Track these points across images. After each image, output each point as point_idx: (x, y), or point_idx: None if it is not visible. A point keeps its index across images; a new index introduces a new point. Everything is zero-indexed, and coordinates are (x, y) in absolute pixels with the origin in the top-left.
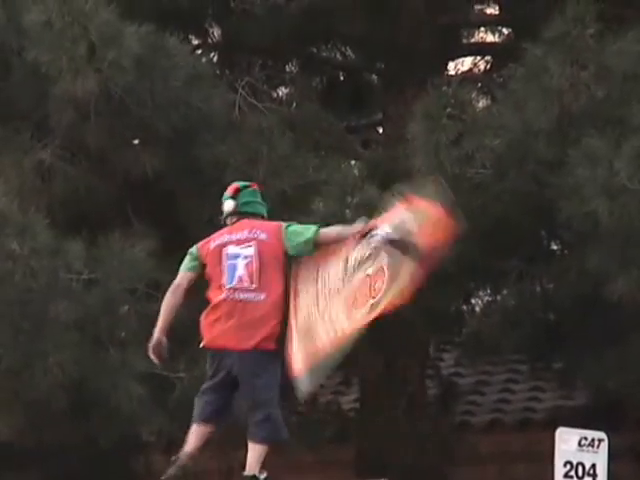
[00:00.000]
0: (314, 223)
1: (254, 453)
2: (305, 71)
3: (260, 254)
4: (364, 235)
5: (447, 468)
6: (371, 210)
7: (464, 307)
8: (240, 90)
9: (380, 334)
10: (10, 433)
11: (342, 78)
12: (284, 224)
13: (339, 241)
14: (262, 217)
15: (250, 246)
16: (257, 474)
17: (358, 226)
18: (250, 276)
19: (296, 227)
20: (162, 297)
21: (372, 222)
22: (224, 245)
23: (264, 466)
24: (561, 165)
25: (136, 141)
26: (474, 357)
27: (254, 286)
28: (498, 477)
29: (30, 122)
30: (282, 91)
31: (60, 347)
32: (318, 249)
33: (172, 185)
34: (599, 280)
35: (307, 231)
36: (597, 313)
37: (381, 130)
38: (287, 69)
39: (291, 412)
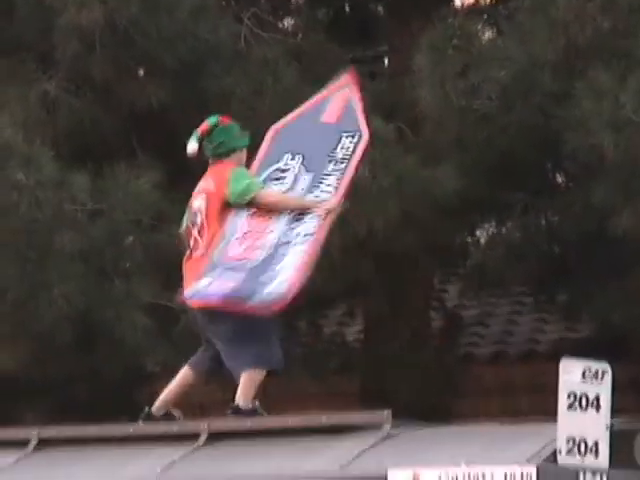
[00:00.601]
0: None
1: (240, 383)
2: (311, 2)
3: (207, 208)
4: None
5: (450, 400)
6: (376, 141)
7: (469, 239)
8: (246, 21)
9: (385, 266)
10: (15, 365)
11: (348, 9)
12: (232, 169)
13: (278, 208)
14: (240, 151)
15: (202, 199)
16: (242, 404)
17: (304, 202)
18: (199, 235)
19: (242, 172)
20: (167, 228)
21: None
22: (193, 198)
23: (256, 397)
24: (567, 97)
25: (141, 73)
26: (478, 289)
27: (202, 246)
28: (501, 409)
29: (35, 54)
30: (288, 22)
31: (65, 278)
32: (253, 206)
33: (177, 117)
34: (604, 213)
35: (253, 184)
36: (602, 246)
37: (387, 62)
38: (293, 0)
39: (295, 343)
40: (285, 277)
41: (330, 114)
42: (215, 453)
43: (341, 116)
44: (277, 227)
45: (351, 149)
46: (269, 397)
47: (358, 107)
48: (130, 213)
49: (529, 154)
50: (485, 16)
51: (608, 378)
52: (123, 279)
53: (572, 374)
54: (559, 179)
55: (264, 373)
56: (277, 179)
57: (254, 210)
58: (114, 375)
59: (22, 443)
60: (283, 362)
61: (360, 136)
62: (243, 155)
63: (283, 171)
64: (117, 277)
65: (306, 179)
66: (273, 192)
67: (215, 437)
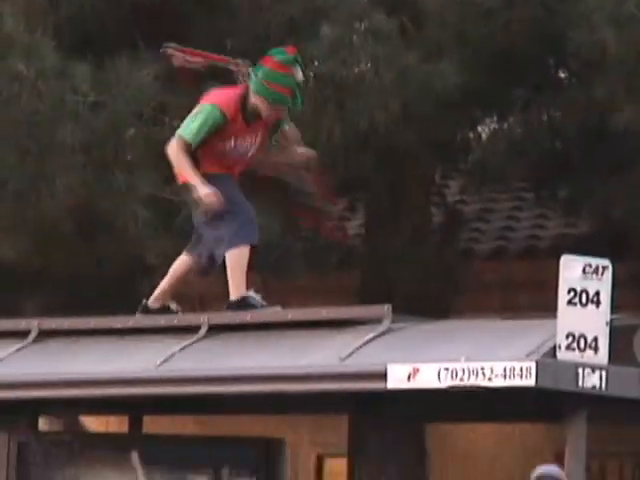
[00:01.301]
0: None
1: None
2: None
3: None
4: None
5: (451, 295)
6: (378, 36)
7: (470, 135)
8: None
9: (386, 161)
10: (16, 255)
11: None
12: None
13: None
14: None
15: None
16: (245, 294)
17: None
18: None
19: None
20: (169, 121)
21: None
22: None
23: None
24: None
25: None
26: (479, 185)
27: None
28: (502, 305)
29: None
30: None
31: (66, 170)
32: None
33: (180, 9)
34: (606, 109)
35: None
36: (603, 142)
37: None
38: None
39: (295, 238)
40: None
41: None
42: (214, 346)
43: None
44: None
45: None
46: (270, 293)
47: None
48: (132, 104)
49: (531, 50)
50: None
51: (608, 274)
52: (124, 171)
53: (572, 270)
54: (561, 74)
55: (246, 253)
56: None
57: None
58: (115, 267)
59: (22, 334)
60: (257, 238)
61: None
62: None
63: None
64: (118, 169)
65: None
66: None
67: (215, 330)
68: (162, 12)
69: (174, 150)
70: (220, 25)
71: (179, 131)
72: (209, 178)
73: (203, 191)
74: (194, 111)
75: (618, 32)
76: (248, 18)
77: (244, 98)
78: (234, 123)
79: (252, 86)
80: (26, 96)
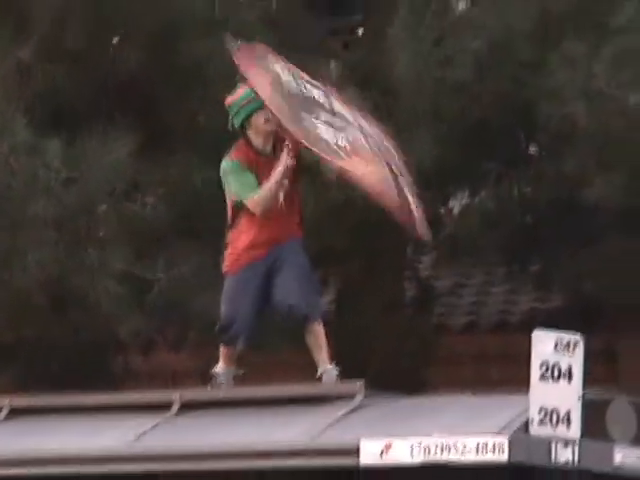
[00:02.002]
0: None
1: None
2: None
3: None
4: None
5: (424, 369)
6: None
7: (442, 209)
8: None
9: (358, 235)
10: None
11: None
12: None
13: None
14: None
15: None
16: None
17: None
18: None
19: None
20: (141, 197)
21: None
22: None
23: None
24: (541, 67)
25: (116, 39)
26: (451, 259)
27: None
28: (474, 378)
29: (9, 20)
30: None
31: (38, 245)
32: None
33: (152, 84)
34: (576, 183)
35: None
36: (574, 216)
37: (362, 31)
38: None
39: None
40: None
41: None
42: (187, 423)
43: None
44: None
45: None
46: (245, 366)
47: None
48: (104, 180)
49: (503, 123)
50: None
51: (580, 349)
52: (97, 247)
53: (544, 345)
54: (532, 148)
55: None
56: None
57: None
58: (87, 343)
59: None
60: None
61: None
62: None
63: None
64: (90, 245)
65: None
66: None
67: (187, 407)
68: (133, 88)
69: (260, 205)
70: (193, 97)
71: (245, 199)
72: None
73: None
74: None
75: (588, 106)
76: (221, 90)
77: (247, 141)
78: (256, 165)
79: (237, 125)
80: None
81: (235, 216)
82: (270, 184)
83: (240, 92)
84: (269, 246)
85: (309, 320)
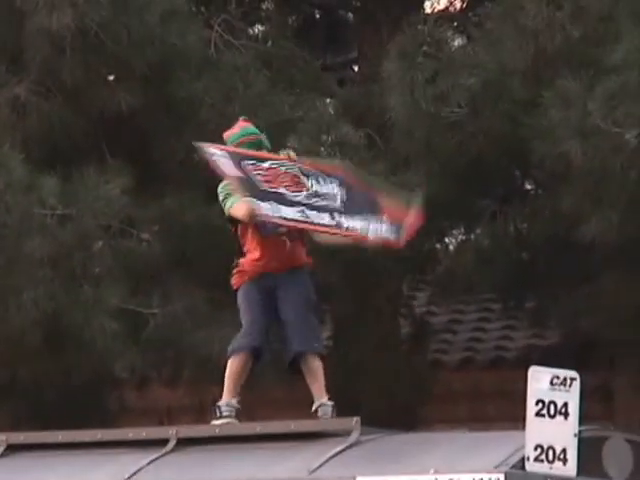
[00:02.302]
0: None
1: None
2: (281, 8)
3: None
4: None
5: (419, 406)
6: (345, 148)
7: (437, 246)
8: (216, 27)
9: (353, 272)
10: None
11: (318, 16)
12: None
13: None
14: None
15: None
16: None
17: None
18: None
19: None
20: (136, 233)
21: None
22: None
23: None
24: (535, 105)
25: (111, 77)
26: (447, 296)
27: None
28: (470, 415)
29: (4, 57)
30: (258, 28)
31: (34, 283)
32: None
33: (147, 122)
34: (572, 220)
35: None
36: (570, 253)
37: (356, 68)
38: (263, 6)
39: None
40: None
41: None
42: (183, 459)
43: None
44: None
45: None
46: (241, 403)
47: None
48: (99, 217)
49: (498, 161)
50: (455, 23)
51: (576, 386)
52: (92, 284)
53: (540, 382)
54: (527, 186)
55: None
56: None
57: None
58: (82, 379)
59: None
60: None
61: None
62: None
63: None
64: (86, 282)
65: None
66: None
67: (183, 443)
68: (128, 124)
69: (241, 209)
70: (187, 137)
71: (228, 209)
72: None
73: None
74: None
75: (583, 144)
76: (216, 130)
77: None
78: None
79: None
80: None
81: (241, 239)
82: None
83: (236, 129)
84: (273, 269)
85: (307, 354)
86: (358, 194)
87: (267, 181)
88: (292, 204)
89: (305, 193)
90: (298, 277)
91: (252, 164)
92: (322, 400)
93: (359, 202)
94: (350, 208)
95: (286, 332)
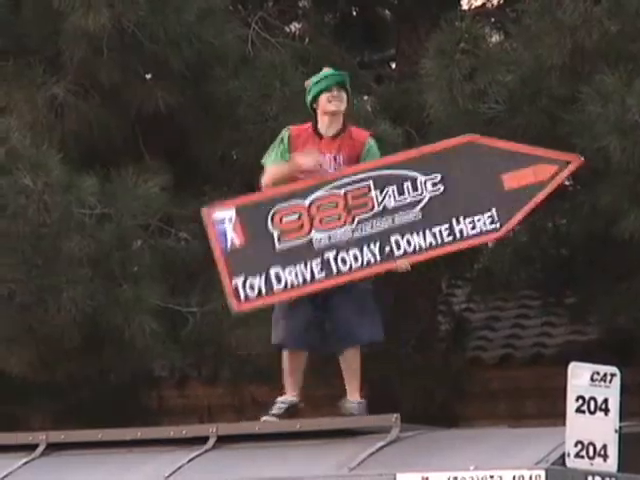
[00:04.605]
0: None
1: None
2: (318, 6)
3: None
4: None
5: (458, 403)
6: (383, 145)
7: None
8: (253, 25)
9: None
10: (23, 368)
11: (355, 13)
12: None
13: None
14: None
15: None
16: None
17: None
18: None
19: None
20: (175, 232)
21: None
22: None
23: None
24: (573, 101)
25: (149, 76)
26: (486, 293)
27: None
28: (509, 413)
29: (42, 57)
30: (295, 26)
31: (73, 282)
32: None
33: (185, 120)
34: (611, 217)
35: None
36: (608, 249)
37: (394, 66)
38: (300, 4)
39: None
40: None
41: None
42: (223, 457)
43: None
44: None
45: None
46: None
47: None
48: (138, 216)
49: None
50: (492, 19)
51: (616, 381)
52: (131, 283)
53: (580, 378)
54: (566, 182)
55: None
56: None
57: None
58: (122, 379)
59: (30, 447)
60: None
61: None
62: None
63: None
64: (125, 281)
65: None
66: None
67: (223, 441)
68: (167, 124)
69: (267, 174)
70: (225, 135)
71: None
72: None
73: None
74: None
75: (622, 140)
76: (253, 128)
77: (314, 121)
78: (309, 143)
79: (308, 104)
80: (32, 209)
81: None
82: (284, 166)
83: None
84: None
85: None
86: (481, 163)
87: (291, 230)
88: (316, 254)
89: (364, 215)
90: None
91: (283, 207)
92: (356, 398)
93: (470, 184)
94: (440, 207)
95: (348, 323)
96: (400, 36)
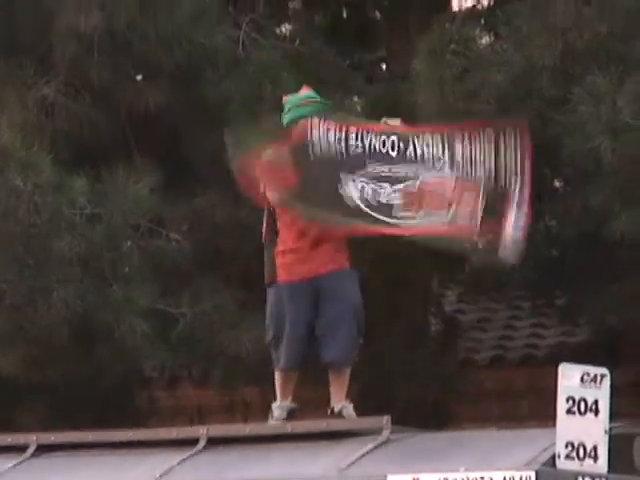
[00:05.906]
0: None
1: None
2: (308, 7)
3: None
4: None
5: (449, 404)
6: None
7: (467, 243)
8: (244, 26)
9: (383, 270)
10: (14, 368)
11: (345, 14)
12: None
13: None
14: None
15: None
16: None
17: None
18: None
19: None
20: (166, 233)
21: None
22: None
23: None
24: (564, 102)
25: (139, 77)
26: (477, 294)
27: None
28: (500, 413)
29: (33, 57)
30: (286, 27)
31: (63, 282)
32: None
33: (175, 121)
34: (602, 217)
35: None
36: (599, 250)
37: (385, 67)
38: (290, 5)
39: None
40: None
41: None
42: (214, 459)
43: None
44: None
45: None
46: (270, 401)
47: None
48: (128, 217)
49: None
50: (483, 21)
51: (606, 383)
52: (121, 283)
53: (571, 379)
54: (557, 183)
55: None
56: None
57: None
58: (112, 379)
59: (21, 448)
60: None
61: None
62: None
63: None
64: (115, 281)
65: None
66: None
67: (214, 443)
68: (157, 124)
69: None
70: (216, 136)
71: None
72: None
73: None
74: None
75: (613, 141)
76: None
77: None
78: None
79: (286, 122)
80: (23, 210)
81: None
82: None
83: (301, 93)
84: (311, 272)
85: (342, 366)
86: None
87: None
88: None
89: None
90: (343, 280)
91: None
92: (344, 403)
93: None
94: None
95: (326, 343)
96: (391, 37)
